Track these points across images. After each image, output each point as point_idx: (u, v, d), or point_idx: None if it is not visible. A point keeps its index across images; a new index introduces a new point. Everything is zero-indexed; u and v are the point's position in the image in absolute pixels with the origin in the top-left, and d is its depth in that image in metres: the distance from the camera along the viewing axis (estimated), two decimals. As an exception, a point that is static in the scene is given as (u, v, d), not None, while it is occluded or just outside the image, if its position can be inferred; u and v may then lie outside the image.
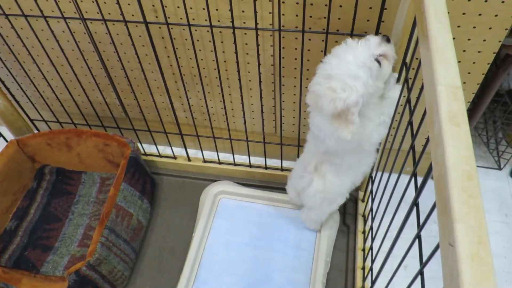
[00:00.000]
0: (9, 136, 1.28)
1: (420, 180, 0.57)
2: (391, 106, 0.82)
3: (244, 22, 0.94)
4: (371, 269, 0.95)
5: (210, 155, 1.33)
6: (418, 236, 0.56)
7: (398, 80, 0.82)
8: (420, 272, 0.54)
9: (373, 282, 0.86)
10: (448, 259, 0.37)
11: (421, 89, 0.56)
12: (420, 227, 0.55)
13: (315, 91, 0.75)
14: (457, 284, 0.34)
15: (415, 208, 0.59)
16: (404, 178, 0.68)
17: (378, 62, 0.73)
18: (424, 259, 0.52)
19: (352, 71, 0.70)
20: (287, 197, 1.19)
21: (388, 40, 0.74)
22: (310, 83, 0.79)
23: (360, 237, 1.11)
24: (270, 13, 0.91)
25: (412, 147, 0.65)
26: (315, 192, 0.97)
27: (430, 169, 0.48)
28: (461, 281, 0.33)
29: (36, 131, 1.34)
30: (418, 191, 0.56)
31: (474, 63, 0.91)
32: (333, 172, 0.93)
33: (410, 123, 0.69)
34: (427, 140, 0.50)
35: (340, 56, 0.72)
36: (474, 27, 0.83)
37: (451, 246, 0.36)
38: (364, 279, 1.01)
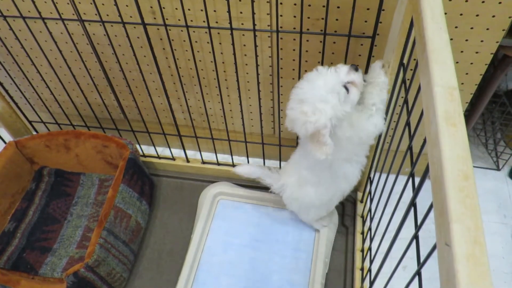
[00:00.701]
0: (8, 137, 1.27)
1: (418, 181, 0.57)
2: (381, 92, 0.83)
3: (242, 24, 0.94)
4: (369, 270, 0.95)
5: (208, 156, 1.33)
6: (415, 237, 0.56)
7: (395, 80, 0.82)
8: (418, 273, 0.54)
9: (371, 283, 0.86)
10: (445, 259, 0.37)
11: (418, 90, 0.57)
12: (417, 227, 0.55)
13: (289, 115, 0.79)
14: (453, 284, 0.34)
15: (413, 209, 0.59)
16: (403, 179, 0.68)
17: (346, 88, 0.77)
18: (422, 260, 0.52)
19: (322, 96, 0.74)
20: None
21: (356, 69, 0.78)
22: (286, 108, 0.82)
23: (358, 238, 1.11)
24: (268, 14, 0.91)
25: (410, 147, 0.66)
26: (288, 198, 1.03)
27: (427, 169, 0.48)
28: (457, 281, 0.33)
29: (34, 133, 1.34)
30: (416, 191, 0.56)
31: (471, 63, 0.91)
32: (312, 183, 0.96)
33: (407, 123, 0.69)
34: (425, 140, 0.50)
35: (311, 81, 0.77)
36: (472, 28, 0.83)
37: (447, 246, 0.36)
38: (362, 280, 1.01)
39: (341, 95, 0.75)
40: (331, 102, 0.74)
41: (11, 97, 1.22)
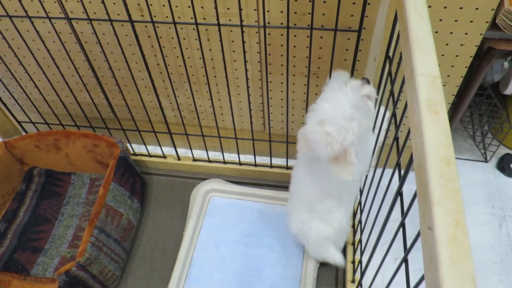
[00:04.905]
0: (-3, 138, 1.27)
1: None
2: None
3: (230, 20, 0.94)
4: (360, 262, 0.96)
5: (199, 153, 1.33)
6: (402, 225, 0.57)
7: (382, 73, 0.83)
8: (405, 260, 0.55)
9: (362, 275, 0.87)
10: (428, 242, 0.38)
11: (403, 82, 0.57)
12: (404, 215, 0.56)
13: (310, 138, 0.75)
14: (436, 266, 0.34)
15: (399, 198, 0.60)
16: (390, 173, 0.69)
17: None
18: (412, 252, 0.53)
19: (347, 113, 0.71)
20: (277, 194, 1.20)
21: (368, 82, 0.76)
22: (299, 131, 0.79)
23: (349, 232, 1.12)
24: (255, 10, 0.91)
25: (396, 138, 0.66)
26: (318, 237, 0.97)
27: (411, 159, 0.49)
28: (439, 262, 0.34)
29: (24, 133, 1.33)
30: (402, 180, 0.56)
31: (457, 56, 0.92)
32: (335, 208, 0.93)
33: (393, 115, 0.70)
34: (409, 131, 0.51)
35: (331, 100, 0.73)
36: (456, 21, 0.85)
37: (430, 230, 0.37)
38: (354, 272, 1.02)
39: (364, 110, 0.73)
40: (357, 118, 0.71)
41: (-1, 98, 1.22)
